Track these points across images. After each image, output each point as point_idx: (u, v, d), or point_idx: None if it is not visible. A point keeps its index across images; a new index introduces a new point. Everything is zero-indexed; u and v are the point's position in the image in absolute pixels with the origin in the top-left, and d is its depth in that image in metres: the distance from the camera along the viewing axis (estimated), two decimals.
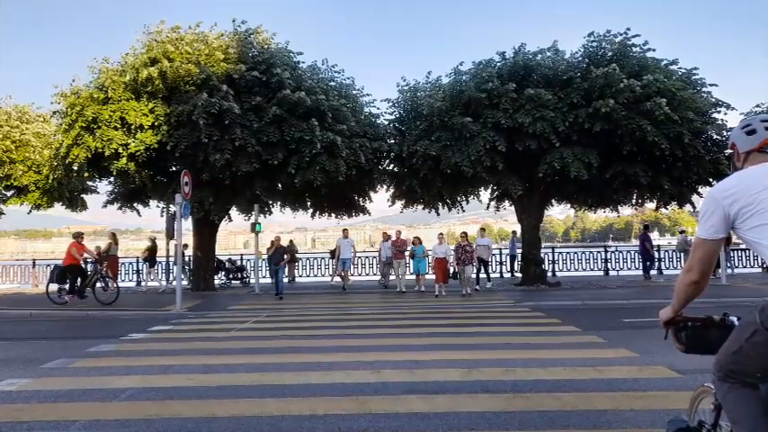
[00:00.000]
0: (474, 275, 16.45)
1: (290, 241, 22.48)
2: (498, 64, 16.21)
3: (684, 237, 22.69)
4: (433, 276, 15.94)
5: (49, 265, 16.68)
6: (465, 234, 16.33)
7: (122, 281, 19.82)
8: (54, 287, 14.30)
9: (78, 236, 14.69)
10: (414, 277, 17.32)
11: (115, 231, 21.08)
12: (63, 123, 15.24)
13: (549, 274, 19.94)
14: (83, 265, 14.89)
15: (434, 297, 14.84)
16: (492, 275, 18.47)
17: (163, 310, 12.95)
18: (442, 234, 17.01)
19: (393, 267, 17.37)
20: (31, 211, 20.68)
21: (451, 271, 15.84)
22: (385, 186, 18.94)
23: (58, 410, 5.00)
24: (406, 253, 17.53)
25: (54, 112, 16.09)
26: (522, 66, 15.63)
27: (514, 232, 21.45)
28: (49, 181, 18.15)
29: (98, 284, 14.39)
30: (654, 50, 15.84)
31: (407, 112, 17.44)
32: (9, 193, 20.30)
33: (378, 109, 18.64)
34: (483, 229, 19.22)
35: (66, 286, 14.10)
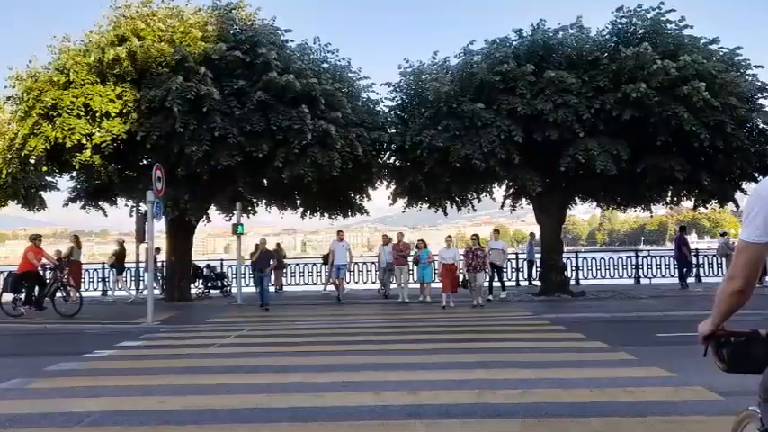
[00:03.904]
0: (486, 283, 16.39)
1: (278, 245, 22.48)
2: (515, 43, 16.21)
3: (726, 239, 22.69)
4: (440, 285, 15.84)
5: (2, 272, 16.67)
6: (476, 237, 16.11)
7: (86, 290, 19.82)
8: (8, 297, 14.30)
9: (36, 239, 14.70)
10: (417, 286, 17.27)
11: (78, 234, 21.08)
12: (18, 111, 15.22)
13: (573, 282, 19.97)
14: (41, 272, 14.89)
15: (441, 308, 14.82)
16: (507, 283, 18.44)
17: (132, 324, 12.95)
18: (450, 237, 16.97)
19: (394, 274, 17.35)
20: None
21: (461, 278, 15.73)
22: (385, 182, 18.94)
23: None
24: (409, 258, 17.53)
25: (8, 98, 16.07)
26: (542, 45, 15.64)
27: (532, 234, 21.48)
28: (2, 176, 18.12)
29: (58, 294, 14.39)
30: (691, 27, 15.83)
31: (411, 98, 17.45)
32: None
33: (377, 94, 18.66)
34: (497, 231, 19.03)
35: (23, 296, 14.10)
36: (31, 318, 13.72)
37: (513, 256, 22.22)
